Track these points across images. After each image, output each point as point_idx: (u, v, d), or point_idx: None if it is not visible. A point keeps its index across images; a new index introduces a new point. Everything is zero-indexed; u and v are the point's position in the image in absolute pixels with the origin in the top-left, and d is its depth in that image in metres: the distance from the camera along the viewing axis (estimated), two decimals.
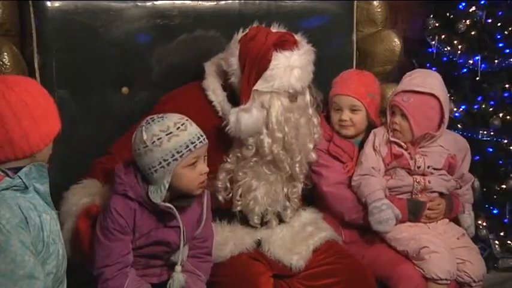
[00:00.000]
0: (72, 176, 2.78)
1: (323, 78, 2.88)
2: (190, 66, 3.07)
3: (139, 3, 3.11)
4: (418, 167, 3.03)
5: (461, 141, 3.17)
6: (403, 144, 3.04)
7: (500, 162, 3.94)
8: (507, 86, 3.91)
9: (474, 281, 2.99)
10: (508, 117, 3.87)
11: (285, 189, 2.89)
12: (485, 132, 3.88)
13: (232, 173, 2.82)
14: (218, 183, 2.81)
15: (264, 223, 2.89)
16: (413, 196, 3.05)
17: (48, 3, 3.02)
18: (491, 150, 3.92)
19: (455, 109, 3.82)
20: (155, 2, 3.13)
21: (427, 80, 3.03)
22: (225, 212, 2.85)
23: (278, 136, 2.77)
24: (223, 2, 3.22)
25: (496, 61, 3.85)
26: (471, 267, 2.98)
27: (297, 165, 2.85)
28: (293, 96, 2.78)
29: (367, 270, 2.88)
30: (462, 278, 2.98)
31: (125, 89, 3.14)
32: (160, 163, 2.43)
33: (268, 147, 2.77)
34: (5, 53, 3.00)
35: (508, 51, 3.85)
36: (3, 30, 3.09)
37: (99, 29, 3.06)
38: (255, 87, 2.73)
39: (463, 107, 3.90)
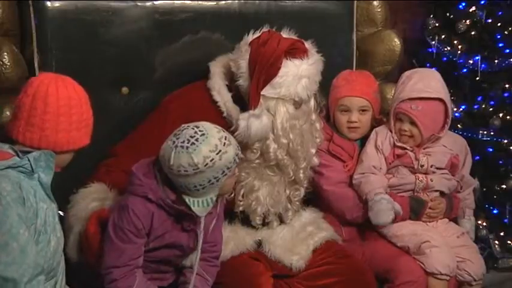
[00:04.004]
0: (72, 176, 2.77)
1: (323, 78, 2.87)
2: (190, 66, 3.07)
3: (139, 3, 3.11)
4: (422, 166, 3.03)
5: (462, 143, 3.17)
6: (409, 148, 3.03)
7: (500, 162, 3.94)
8: (507, 86, 3.91)
9: (474, 280, 2.99)
10: (508, 117, 3.87)
11: (288, 191, 2.89)
12: (485, 132, 3.87)
13: None
14: None
15: (265, 224, 2.89)
16: (415, 194, 3.05)
17: (48, 3, 3.01)
18: (491, 150, 3.91)
19: (455, 109, 3.82)
20: (155, 2, 3.12)
21: (431, 84, 3.01)
22: (226, 212, 2.85)
23: (283, 142, 2.77)
24: (223, 2, 3.21)
25: (496, 61, 3.85)
26: (471, 266, 2.99)
27: (301, 171, 2.86)
28: (298, 104, 2.78)
29: (367, 270, 2.88)
30: (462, 277, 2.99)
31: (125, 89, 3.14)
32: (210, 181, 2.40)
33: (273, 152, 2.77)
34: (5, 53, 3.00)
35: (508, 51, 3.85)
36: (3, 30, 3.10)
37: (99, 29, 3.06)
38: (262, 92, 2.72)
39: (463, 107, 3.90)
